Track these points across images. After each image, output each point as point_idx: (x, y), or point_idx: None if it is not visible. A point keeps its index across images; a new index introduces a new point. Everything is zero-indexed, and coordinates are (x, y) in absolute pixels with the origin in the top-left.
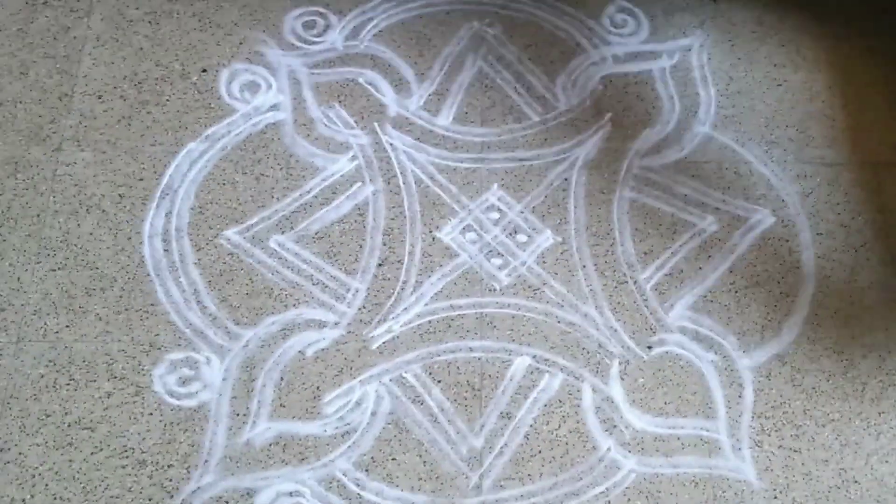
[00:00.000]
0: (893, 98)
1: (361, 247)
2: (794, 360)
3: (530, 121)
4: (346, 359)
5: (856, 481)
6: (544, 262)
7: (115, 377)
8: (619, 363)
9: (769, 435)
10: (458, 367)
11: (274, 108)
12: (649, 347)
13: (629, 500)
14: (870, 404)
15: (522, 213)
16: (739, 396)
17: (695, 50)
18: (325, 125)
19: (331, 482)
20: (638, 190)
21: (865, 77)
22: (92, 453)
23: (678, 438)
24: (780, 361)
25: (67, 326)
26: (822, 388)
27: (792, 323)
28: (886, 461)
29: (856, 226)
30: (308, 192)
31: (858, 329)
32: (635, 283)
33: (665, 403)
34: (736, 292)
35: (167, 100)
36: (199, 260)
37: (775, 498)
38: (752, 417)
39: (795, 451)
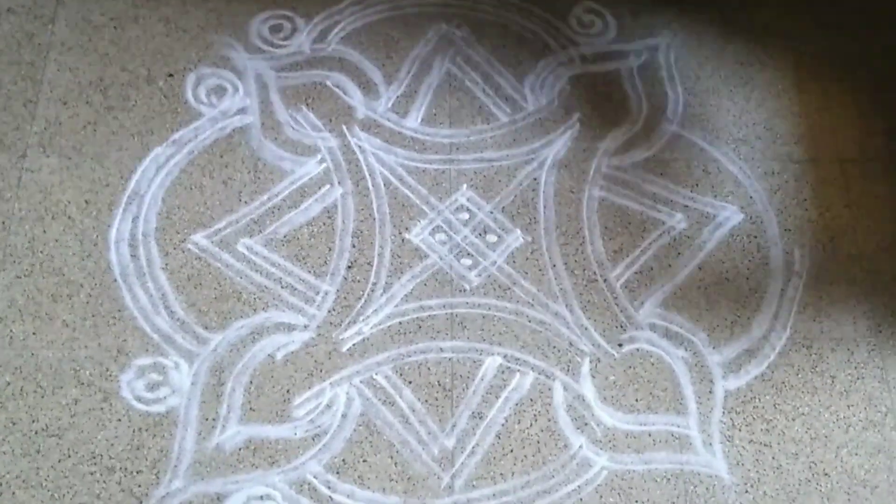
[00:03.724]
0: (858, 96)
1: (331, 249)
2: (763, 356)
3: (499, 121)
4: (316, 361)
5: (826, 474)
6: (514, 262)
7: (83, 384)
8: (590, 361)
9: (740, 430)
10: (428, 368)
11: (241, 111)
12: (620, 345)
13: (601, 496)
14: (839, 398)
15: (492, 213)
16: (710, 392)
17: (662, 49)
18: (293, 128)
19: (301, 485)
20: (607, 189)
21: (831, 75)
22: (60, 460)
23: (649, 435)
24: (750, 357)
25: (34, 333)
26: (792, 382)
27: (761, 318)
28: (856, 454)
29: (823, 222)
30: (276, 195)
31: (827, 324)
32: (605, 281)
33: (636, 400)
34: (705, 289)
35: (133, 105)
36: (166, 265)
37: (746, 492)
38: (723, 413)
39: (766, 445)
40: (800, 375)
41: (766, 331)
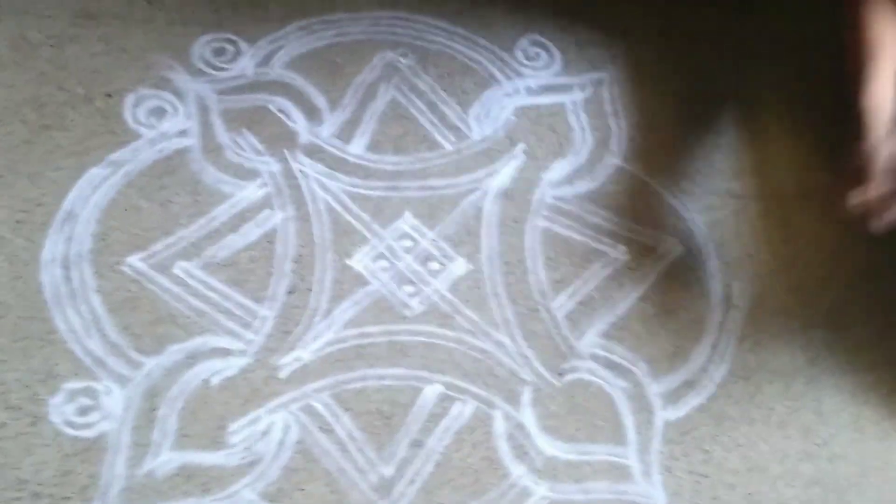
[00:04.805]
0: (798, 132)
1: (270, 274)
2: (702, 387)
3: (443, 150)
4: (252, 387)
5: None
6: (457, 290)
7: (10, 407)
8: (531, 390)
9: (678, 460)
10: (368, 396)
11: (181, 133)
12: (561, 374)
13: None
14: (776, 429)
15: (435, 241)
16: (649, 422)
17: (606, 84)
18: (234, 152)
19: None
20: (551, 219)
21: (771, 112)
22: None
23: (589, 464)
24: (689, 388)
25: None
26: (730, 413)
27: (700, 349)
28: (792, 485)
29: (761, 256)
30: (215, 218)
31: (764, 355)
32: (547, 310)
33: (576, 430)
34: (646, 320)
35: (70, 124)
36: (100, 287)
37: None
38: (662, 443)
39: (704, 475)
40: (738, 406)
41: (705, 362)
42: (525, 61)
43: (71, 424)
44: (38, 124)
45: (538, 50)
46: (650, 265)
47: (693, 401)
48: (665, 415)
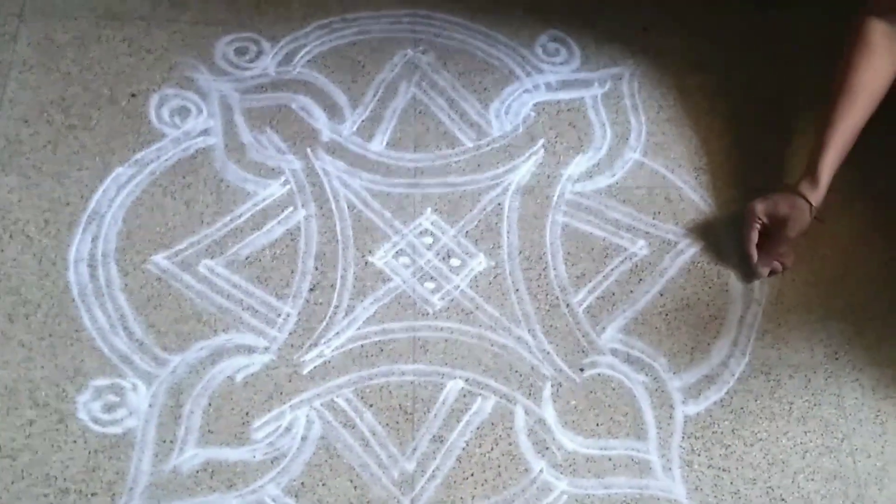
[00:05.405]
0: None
1: (293, 271)
2: (722, 381)
3: (464, 147)
4: (276, 384)
5: (783, 499)
6: (477, 286)
7: (38, 405)
8: (552, 385)
9: (699, 455)
10: (390, 391)
11: (205, 133)
12: (581, 370)
13: None
14: (796, 423)
15: (456, 237)
16: (670, 417)
17: (626, 79)
18: (257, 150)
19: None
20: (570, 215)
21: (792, 106)
22: (13, 482)
23: (609, 459)
24: (709, 382)
25: None
26: (750, 408)
27: (720, 344)
28: (812, 479)
29: None
30: (239, 216)
31: (784, 350)
32: (567, 306)
33: (597, 425)
34: (666, 315)
35: (95, 124)
36: (126, 285)
37: None
38: (682, 438)
39: (724, 470)
40: (758, 401)
41: (725, 357)
42: (544, 57)
43: (98, 421)
44: (64, 124)
45: (557, 46)
46: (670, 260)
47: (713, 395)
48: (685, 409)
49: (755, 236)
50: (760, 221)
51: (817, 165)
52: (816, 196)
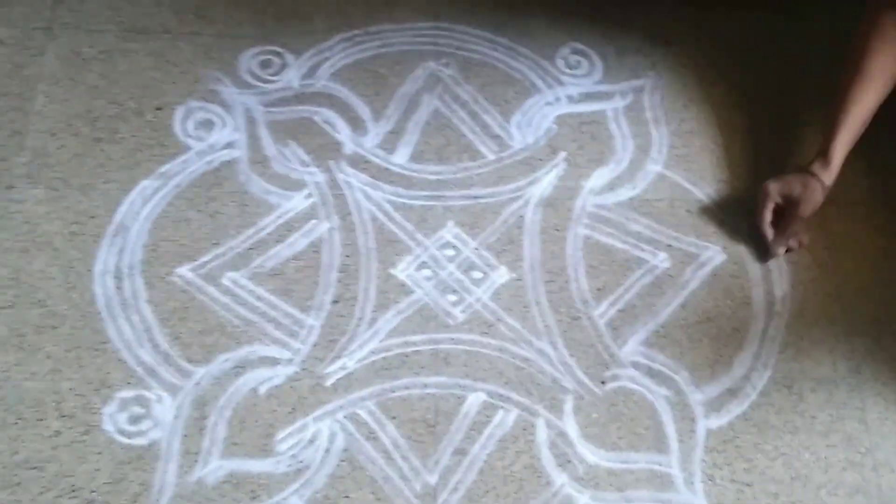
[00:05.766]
0: None
1: (316, 284)
2: (744, 395)
3: (486, 159)
4: (299, 396)
5: None
6: (499, 299)
7: (65, 416)
8: (573, 398)
9: (721, 469)
10: (412, 404)
11: (229, 145)
12: (603, 382)
13: None
14: (819, 438)
15: (477, 249)
16: (691, 431)
17: (647, 91)
18: (281, 163)
19: None
20: (592, 227)
21: (814, 117)
22: (40, 493)
23: (631, 473)
24: (732, 396)
25: (17, 364)
26: (773, 422)
27: (742, 358)
28: (835, 494)
29: (804, 262)
30: (263, 229)
31: (807, 363)
32: (589, 318)
33: (618, 438)
34: (688, 328)
35: (121, 137)
36: (151, 297)
37: None
38: (704, 451)
39: (747, 484)
40: (781, 415)
41: (747, 370)
42: (566, 70)
43: (123, 432)
44: (91, 137)
45: (579, 58)
46: (691, 272)
47: (735, 409)
48: (707, 423)
49: (769, 215)
50: (774, 201)
51: (830, 147)
52: (829, 176)
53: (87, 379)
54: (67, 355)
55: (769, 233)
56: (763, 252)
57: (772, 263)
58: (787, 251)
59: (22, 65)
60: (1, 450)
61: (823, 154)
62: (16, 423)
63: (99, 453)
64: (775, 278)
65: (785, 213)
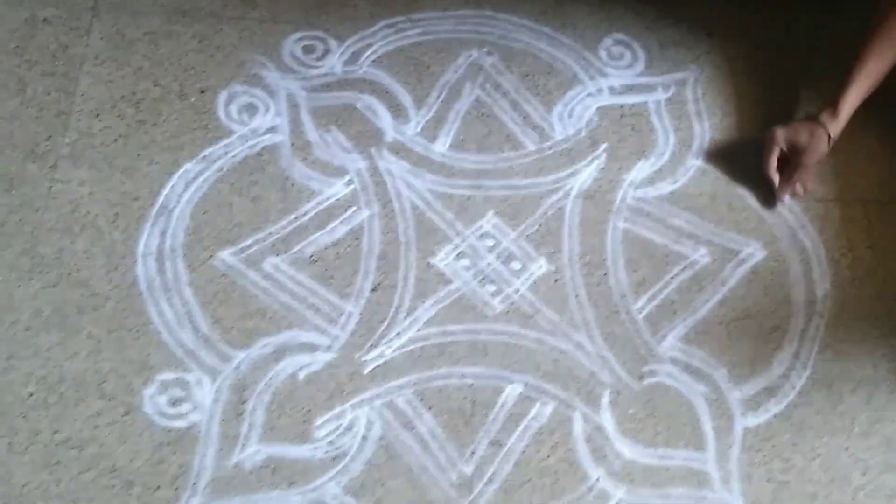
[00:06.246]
0: (884, 137)
1: (356, 271)
2: (783, 394)
3: (526, 149)
4: (337, 383)
5: None
6: (537, 290)
7: (105, 397)
8: (611, 392)
9: (758, 468)
10: (449, 394)
11: (271, 130)
12: (640, 378)
13: None
14: (858, 439)
15: (517, 240)
16: (729, 429)
17: (689, 83)
18: (323, 149)
19: None
20: (632, 221)
21: (857, 115)
22: (80, 473)
23: (668, 469)
24: (770, 395)
25: (59, 345)
26: (811, 422)
27: (782, 356)
28: (873, 497)
29: (845, 262)
30: (304, 215)
31: (847, 364)
32: (628, 313)
33: (655, 434)
34: (727, 325)
35: (165, 120)
36: (192, 280)
37: None
38: (742, 450)
39: (784, 484)
40: (819, 415)
41: (786, 369)
42: (608, 61)
43: (163, 415)
44: (135, 119)
45: (622, 49)
46: (731, 269)
47: (774, 408)
48: (745, 421)
49: (774, 161)
50: (780, 147)
51: (840, 98)
52: (835, 127)
53: (128, 360)
54: (109, 336)
55: (775, 178)
56: (768, 198)
57: (812, 262)
58: (792, 196)
59: (67, 45)
60: (42, 429)
61: (833, 105)
62: (57, 403)
63: (139, 435)
64: (816, 277)
65: (790, 161)
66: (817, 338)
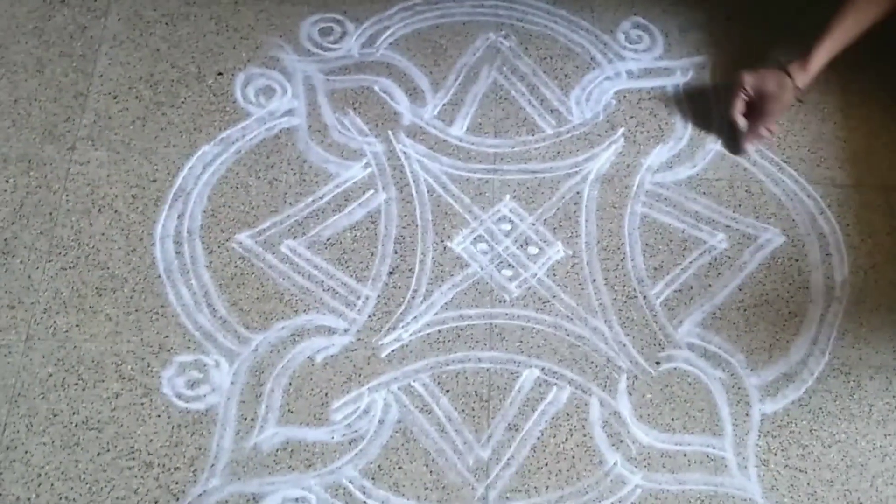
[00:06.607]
0: None
1: (373, 254)
2: (801, 380)
3: (544, 133)
4: (354, 366)
5: (860, 503)
6: (554, 275)
7: (124, 378)
8: (627, 378)
9: (775, 454)
10: (466, 378)
11: (289, 113)
12: (657, 363)
13: None
14: (876, 426)
15: (534, 225)
16: (746, 415)
17: (709, 68)
18: (340, 132)
19: (337, 489)
20: (649, 205)
21: (877, 101)
22: (98, 454)
23: (684, 455)
24: (788, 381)
25: (77, 326)
26: (829, 408)
27: (800, 343)
28: (891, 483)
29: (865, 248)
30: (321, 198)
31: (866, 351)
32: (645, 298)
33: (672, 420)
34: (745, 311)
35: (182, 102)
36: (210, 263)
37: None
38: (759, 436)
39: (801, 470)
40: (837, 402)
41: (804, 355)
42: (626, 44)
43: (181, 397)
44: (152, 101)
45: (640, 33)
46: (750, 254)
47: (791, 394)
48: (762, 407)
49: (741, 105)
50: (747, 93)
51: (812, 51)
52: (804, 79)
53: (146, 342)
54: (127, 318)
55: (740, 122)
56: (732, 144)
57: (831, 247)
58: (755, 140)
59: (85, 26)
60: (61, 409)
61: (805, 57)
62: (76, 384)
63: (157, 416)
64: (835, 263)
65: (755, 107)
66: (836, 324)
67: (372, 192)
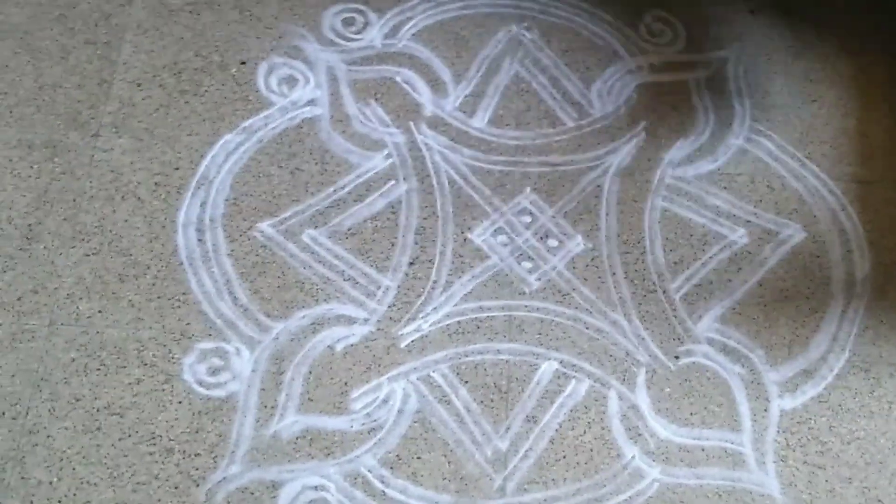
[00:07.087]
0: None
1: (393, 245)
2: (820, 377)
3: (565, 126)
4: (374, 355)
5: (879, 500)
6: (574, 268)
7: (146, 364)
8: (646, 372)
9: (794, 450)
10: (485, 369)
11: (311, 102)
12: (676, 357)
13: None
14: (895, 423)
15: (554, 217)
16: (765, 410)
17: (731, 62)
18: (362, 122)
19: (356, 478)
20: (670, 199)
21: None
22: (120, 439)
23: (703, 449)
24: (807, 377)
25: (100, 312)
26: (848, 405)
27: (820, 339)
28: None
29: (886, 244)
30: (342, 188)
31: (886, 348)
32: (664, 292)
33: (691, 414)
34: (765, 306)
35: (205, 90)
36: (232, 251)
37: None
38: (778, 432)
39: (820, 467)
40: (857, 399)
41: (824, 352)
42: (649, 38)
43: (202, 383)
44: (176, 89)
45: (662, 26)
46: (770, 250)
47: (811, 391)
48: (781, 403)
49: None
50: None
51: None
52: None
53: (168, 328)
54: (149, 305)
55: None
56: None
57: (852, 244)
58: None
59: (110, 13)
60: (83, 395)
61: None
62: (98, 370)
63: (178, 403)
64: (856, 259)
65: None
66: (856, 320)
67: (393, 182)
